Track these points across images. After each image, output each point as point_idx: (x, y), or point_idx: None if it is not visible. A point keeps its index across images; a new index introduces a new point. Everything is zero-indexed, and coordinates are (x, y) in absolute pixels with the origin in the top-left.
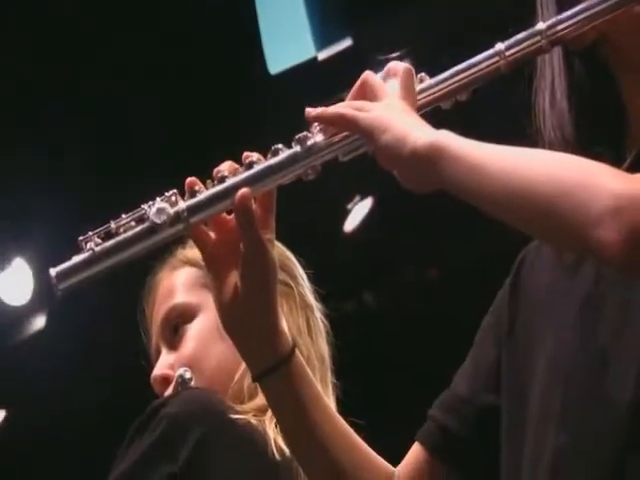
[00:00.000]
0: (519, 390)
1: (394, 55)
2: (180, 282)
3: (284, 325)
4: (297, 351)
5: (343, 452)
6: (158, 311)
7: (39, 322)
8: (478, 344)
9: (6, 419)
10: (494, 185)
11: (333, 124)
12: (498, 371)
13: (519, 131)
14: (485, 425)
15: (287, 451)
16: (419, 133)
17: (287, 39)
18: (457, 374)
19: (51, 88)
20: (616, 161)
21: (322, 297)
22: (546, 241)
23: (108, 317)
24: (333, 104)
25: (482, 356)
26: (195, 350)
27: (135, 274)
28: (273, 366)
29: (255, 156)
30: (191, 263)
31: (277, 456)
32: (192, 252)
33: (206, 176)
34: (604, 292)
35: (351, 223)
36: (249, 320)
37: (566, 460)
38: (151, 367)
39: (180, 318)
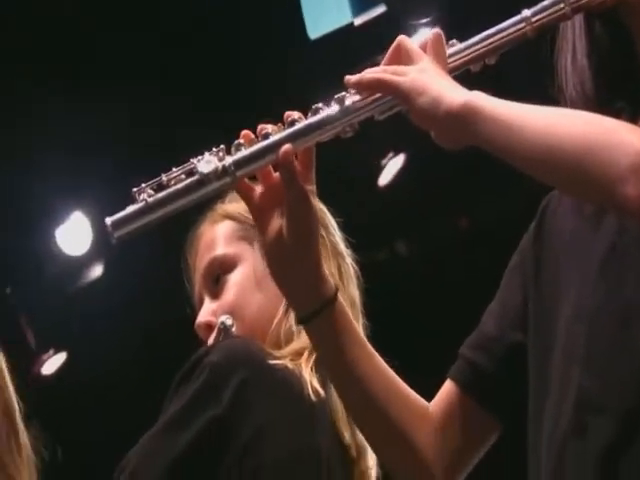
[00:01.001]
0: (545, 331)
1: (425, 20)
2: (220, 235)
3: (326, 271)
4: (339, 295)
5: (381, 388)
6: (200, 262)
7: (96, 271)
8: (505, 285)
9: (66, 362)
10: (525, 143)
11: (371, 89)
12: (524, 311)
13: (542, 90)
14: (513, 362)
15: (322, 392)
16: (453, 94)
17: (325, 6)
18: (485, 314)
19: (100, 43)
20: (634, 117)
21: (356, 246)
22: (574, 196)
23: (158, 268)
24: (369, 67)
25: (509, 297)
26: (235, 298)
27: (180, 227)
28: (318, 309)
29: (296, 115)
30: (230, 217)
31: (312, 397)
32: (231, 206)
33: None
34: (628, 243)
35: (385, 178)
36: (294, 266)
37: (591, 400)
38: (195, 315)
39: (221, 269)
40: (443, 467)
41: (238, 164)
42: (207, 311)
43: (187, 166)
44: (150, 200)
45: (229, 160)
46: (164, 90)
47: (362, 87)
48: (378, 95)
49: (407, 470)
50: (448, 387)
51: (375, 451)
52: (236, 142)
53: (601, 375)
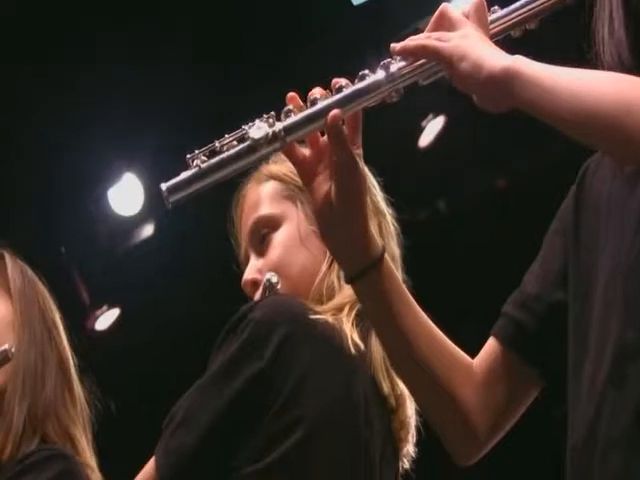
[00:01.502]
0: (584, 288)
1: None
2: (265, 195)
3: (373, 231)
4: (386, 254)
5: (426, 343)
6: (246, 222)
7: (147, 230)
8: (546, 246)
9: (119, 317)
10: (565, 105)
11: (416, 55)
12: (565, 270)
13: (580, 56)
14: (554, 319)
15: (361, 346)
16: (495, 59)
17: None
18: (527, 274)
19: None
20: None
21: (398, 204)
22: (612, 155)
23: (206, 227)
24: (412, 35)
25: (550, 257)
26: (280, 256)
27: (227, 188)
28: (365, 268)
29: (343, 81)
30: (275, 177)
31: (352, 350)
32: (275, 167)
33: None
34: None
35: (425, 139)
36: (343, 228)
37: (629, 351)
38: (242, 272)
39: (266, 227)
40: (486, 421)
41: (288, 130)
42: (253, 269)
43: (239, 132)
44: (203, 166)
45: (279, 126)
46: (216, 58)
47: (406, 54)
48: (422, 61)
49: (450, 423)
50: (491, 344)
51: (419, 405)
52: (286, 108)
53: (638, 330)
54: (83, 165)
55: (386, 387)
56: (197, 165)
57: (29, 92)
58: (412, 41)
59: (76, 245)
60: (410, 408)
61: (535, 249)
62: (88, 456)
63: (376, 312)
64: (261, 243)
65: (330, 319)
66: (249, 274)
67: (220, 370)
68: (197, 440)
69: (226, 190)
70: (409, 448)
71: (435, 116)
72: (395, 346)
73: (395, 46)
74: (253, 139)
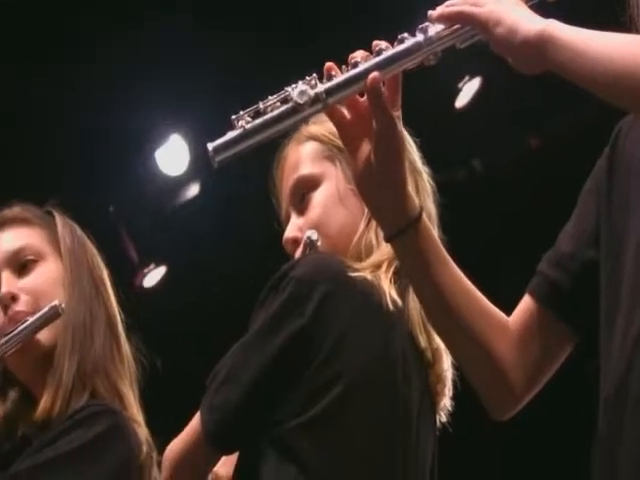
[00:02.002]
0: (616, 249)
1: None
2: (305, 155)
3: (411, 192)
4: (424, 214)
5: (463, 300)
6: (287, 181)
7: (193, 190)
8: (579, 207)
9: (166, 275)
10: (597, 67)
11: (453, 21)
12: (597, 230)
13: (614, 18)
14: (588, 277)
15: (399, 302)
16: (529, 23)
17: None
18: (561, 233)
19: None
20: None
21: (435, 164)
22: None
23: (249, 187)
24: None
25: (583, 217)
26: (320, 214)
27: (269, 147)
28: (404, 227)
29: (383, 44)
30: (314, 138)
31: (390, 306)
32: (315, 128)
33: (341, 63)
34: None
35: (461, 100)
36: (382, 188)
37: None
38: (283, 230)
39: (306, 187)
40: (521, 377)
41: (329, 92)
42: (294, 227)
43: (282, 94)
44: (248, 126)
45: (321, 88)
46: (259, 20)
47: (444, 20)
48: (459, 25)
49: (486, 379)
50: (527, 301)
51: (457, 361)
52: (327, 72)
53: None
54: (131, 127)
55: (423, 341)
56: (242, 126)
57: (77, 55)
58: (449, 7)
59: (124, 204)
60: (446, 362)
61: (569, 208)
62: (135, 411)
63: (414, 270)
64: (301, 202)
65: (369, 276)
66: (290, 232)
67: (262, 327)
68: (241, 396)
69: (268, 150)
70: (446, 402)
71: (471, 78)
72: (432, 303)
73: (432, 13)
74: (296, 100)
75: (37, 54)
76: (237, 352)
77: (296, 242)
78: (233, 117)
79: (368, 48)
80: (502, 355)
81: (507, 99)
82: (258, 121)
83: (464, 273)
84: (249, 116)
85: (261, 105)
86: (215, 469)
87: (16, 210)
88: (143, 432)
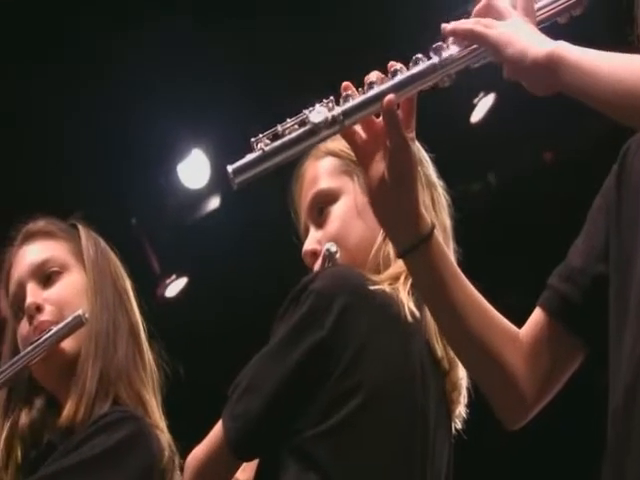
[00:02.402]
0: (624, 265)
1: None
2: (323, 170)
3: (423, 209)
4: (435, 231)
5: (474, 314)
6: (306, 196)
7: (214, 203)
8: (589, 223)
9: (187, 285)
10: (605, 87)
11: (465, 38)
12: (607, 245)
13: (622, 39)
14: (597, 291)
15: (417, 314)
16: (539, 45)
17: None
18: (571, 248)
19: None
20: None
21: (451, 179)
22: None
23: (268, 201)
24: (464, 17)
25: (593, 233)
26: (339, 227)
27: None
28: (415, 244)
29: (398, 65)
30: (332, 153)
31: (409, 318)
32: (333, 144)
33: (357, 82)
34: None
35: (476, 115)
36: (395, 205)
37: None
38: (302, 243)
39: (324, 201)
40: (532, 387)
41: (346, 113)
42: (313, 240)
43: (300, 116)
44: (267, 149)
45: (338, 110)
46: (282, 38)
47: (456, 35)
48: (473, 47)
49: (499, 390)
50: (537, 314)
51: (469, 372)
52: (344, 93)
53: None
54: (154, 142)
55: (439, 351)
56: (261, 148)
57: (102, 71)
58: (462, 24)
59: (147, 217)
60: (462, 370)
61: (580, 223)
62: (158, 417)
63: (426, 285)
64: (320, 216)
65: (387, 289)
66: (309, 245)
67: (283, 339)
68: (262, 405)
69: (288, 164)
70: (461, 409)
71: (486, 94)
72: (444, 318)
73: (446, 26)
74: (313, 123)
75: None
76: (258, 363)
77: (315, 255)
78: (252, 140)
79: (381, 66)
80: (513, 366)
81: (521, 114)
82: (276, 143)
83: (477, 286)
84: (268, 138)
85: (279, 128)
86: (236, 475)
87: (41, 224)
88: (165, 437)
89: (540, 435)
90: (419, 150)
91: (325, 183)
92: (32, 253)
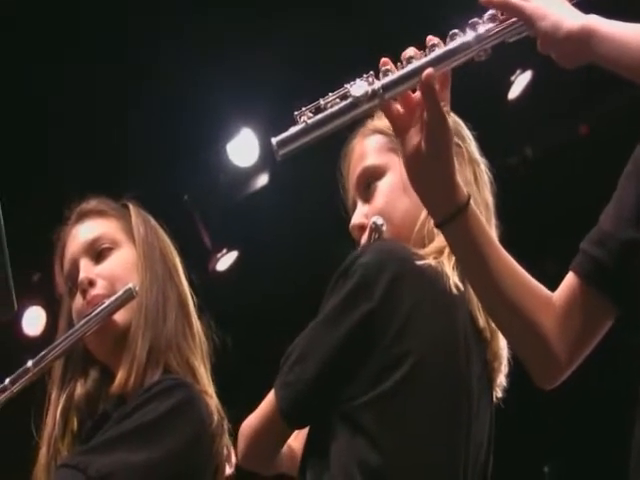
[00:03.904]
0: None
1: None
2: (370, 147)
3: (460, 180)
4: (472, 201)
5: (510, 281)
6: (354, 172)
7: (262, 180)
8: (620, 188)
9: (237, 259)
10: (635, 55)
11: (501, 9)
12: (638, 211)
13: None
14: (628, 255)
15: (461, 286)
16: (572, 19)
17: None
18: (603, 214)
19: None
20: None
21: (491, 154)
22: None
23: (317, 177)
24: None
25: (624, 198)
26: (385, 202)
27: (336, 140)
28: (453, 214)
29: (436, 40)
30: (379, 131)
31: (454, 290)
32: (379, 122)
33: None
34: None
35: (514, 92)
36: (432, 176)
37: None
38: (350, 218)
39: (371, 177)
40: (566, 349)
41: (386, 87)
42: (360, 214)
43: (341, 91)
44: (310, 122)
45: (378, 84)
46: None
47: (492, 6)
48: (509, 22)
49: (533, 352)
50: (570, 278)
51: (505, 337)
52: (383, 68)
53: None
54: (205, 122)
55: (481, 321)
56: (304, 121)
57: (154, 52)
58: None
59: (198, 194)
60: (502, 340)
61: (612, 191)
62: (207, 384)
63: (463, 254)
64: (367, 191)
65: (433, 262)
66: (356, 219)
67: (333, 311)
68: (313, 374)
69: (334, 141)
70: (501, 378)
71: (523, 71)
72: (481, 285)
73: None
74: (354, 96)
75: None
76: (309, 334)
77: (362, 228)
78: (295, 113)
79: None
80: (547, 329)
81: (557, 89)
82: (319, 116)
83: (515, 255)
84: (310, 112)
85: (321, 101)
86: (288, 442)
87: (93, 203)
88: (214, 403)
89: (574, 396)
90: (462, 127)
91: (372, 159)
92: (84, 231)
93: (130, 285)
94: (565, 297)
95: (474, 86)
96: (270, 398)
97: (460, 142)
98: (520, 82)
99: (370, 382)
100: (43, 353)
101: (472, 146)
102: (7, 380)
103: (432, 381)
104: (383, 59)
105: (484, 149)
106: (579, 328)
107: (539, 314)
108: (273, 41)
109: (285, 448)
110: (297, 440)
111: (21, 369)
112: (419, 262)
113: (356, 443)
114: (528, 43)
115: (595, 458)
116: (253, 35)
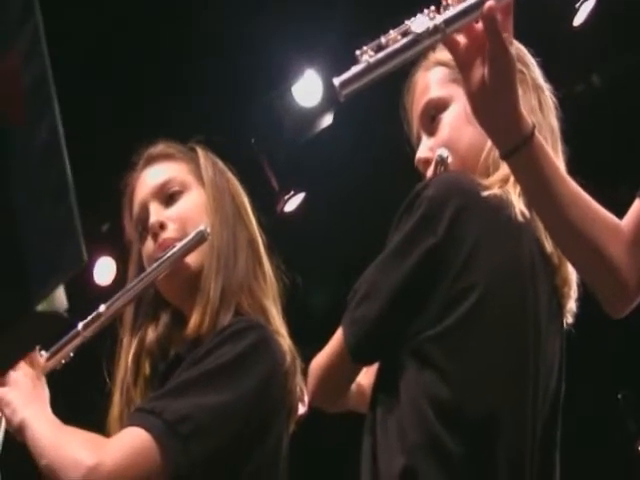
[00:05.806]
0: None
1: None
2: (433, 79)
3: (524, 109)
4: (536, 131)
5: (576, 210)
6: (417, 105)
7: (327, 120)
8: None
9: (304, 200)
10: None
11: None
12: None
13: None
14: None
15: (527, 214)
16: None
17: None
18: None
19: None
20: None
21: (556, 80)
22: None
23: (380, 114)
24: None
25: None
26: (450, 134)
27: (397, 75)
28: (518, 145)
29: None
30: (441, 63)
31: (520, 218)
32: (441, 54)
33: None
34: None
35: (579, 18)
36: (496, 108)
37: None
38: (414, 152)
39: (435, 109)
40: (634, 275)
41: (448, 22)
42: (425, 147)
43: (402, 27)
44: (372, 60)
45: (440, 19)
46: None
47: None
48: None
49: (602, 279)
50: (637, 205)
51: (573, 264)
52: (444, 3)
53: None
54: (270, 64)
55: (549, 247)
56: (366, 60)
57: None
58: None
59: (265, 136)
60: (571, 265)
61: None
62: (279, 324)
63: (530, 184)
64: (431, 123)
65: (498, 192)
66: (422, 153)
67: (398, 246)
68: (380, 309)
69: (395, 76)
70: (571, 304)
71: None
72: (548, 214)
73: None
74: (416, 33)
75: None
76: (375, 270)
77: (428, 162)
78: (357, 52)
79: None
80: (615, 256)
81: (622, 16)
82: (381, 55)
83: (584, 180)
84: (372, 50)
85: (383, 39)
86: (358, 379)
87: (160, 147)
88: (286, 342)
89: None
90: (525, 54)
91: (435, 92)
92: (153, 175)
93: (202, 227)
94: (633, 224)
95: (537, 14)
96: (338, 335)
97: (524, 69)
98: (585, 9)
99: (437, 316)
100: (115, 297)
101: (536, 72)
102: (80, 325)
103: (498, 312)
104: None
105: (549, 78)
106: None
107: (607, 242)
108: None
109: (354, 385)
110: (366, 377)
111: (94, 313)
112: (484, 193)
113: (425, 377)
114: None
115: None
116: None
